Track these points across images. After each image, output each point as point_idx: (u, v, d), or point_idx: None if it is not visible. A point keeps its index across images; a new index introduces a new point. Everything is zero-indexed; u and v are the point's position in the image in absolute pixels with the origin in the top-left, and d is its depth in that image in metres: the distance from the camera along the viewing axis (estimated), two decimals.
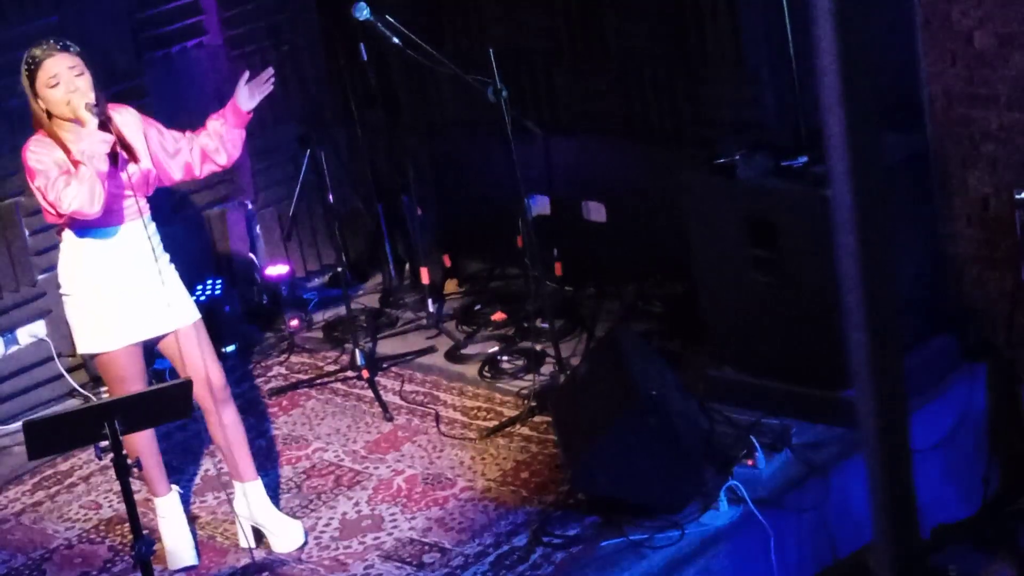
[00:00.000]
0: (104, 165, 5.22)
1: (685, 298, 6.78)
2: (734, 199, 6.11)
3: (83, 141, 5.23)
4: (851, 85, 1.70)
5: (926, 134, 6.30)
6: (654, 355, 6.21)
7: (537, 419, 6.49)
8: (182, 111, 7.53)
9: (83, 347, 5.63)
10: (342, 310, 7.32)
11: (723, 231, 6.16)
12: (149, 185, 5.56)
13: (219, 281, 7.43)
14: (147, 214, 5.55)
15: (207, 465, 6.48)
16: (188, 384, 5.08)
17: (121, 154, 5.39)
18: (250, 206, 7.80)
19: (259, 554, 5.81)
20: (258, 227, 7.83)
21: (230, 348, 7.36)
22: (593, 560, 5.53)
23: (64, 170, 5.25)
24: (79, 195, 5.20)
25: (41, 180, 5.29)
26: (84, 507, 6.33)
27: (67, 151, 5.32)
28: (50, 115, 5.37)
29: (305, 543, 5.85)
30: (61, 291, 5.60)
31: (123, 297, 5.51)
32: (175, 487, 5.89)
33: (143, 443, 5.63)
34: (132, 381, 5.54)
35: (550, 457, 6.20)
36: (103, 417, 4.78)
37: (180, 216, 7.51)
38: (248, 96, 5.62)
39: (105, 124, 5.25)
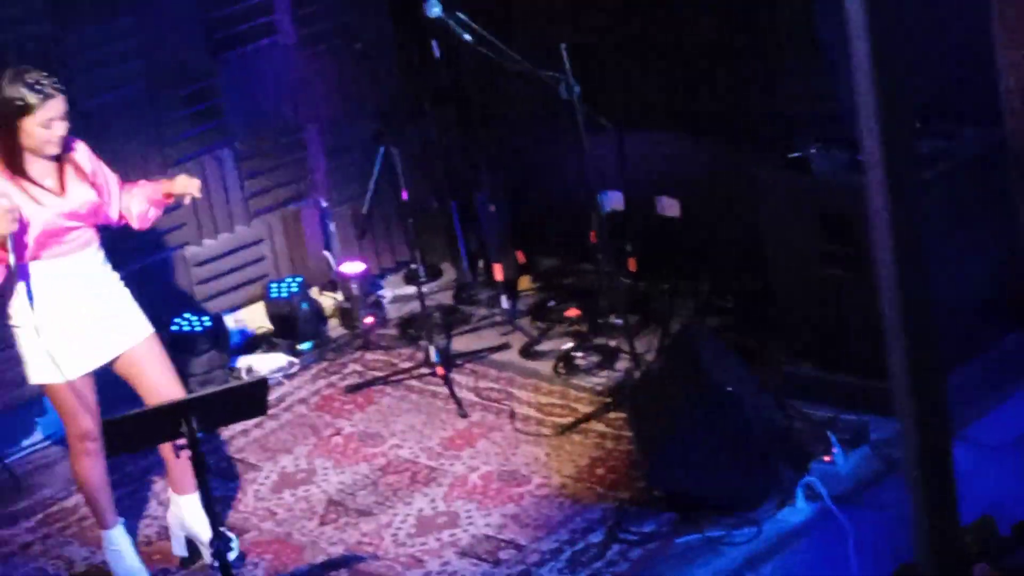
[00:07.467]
0: None
1: (760, 293, 6.74)
2: (809, 194, 6.06)
3: None
4: (884, 87, 1.67)
5: (1003, 127, 6.23)
6: (729, 351, 6.18)
7: (612, 415, 6.47)
8: (255, 110, 7.58)
9: (34, 378, 5.48)
10: (417, 307, 7.32)
11: (798, 226, 6.12)
12: (98, 216, 5.49)
13: (297, 280, 7.46)
14: (95, 243, 5.49)
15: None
16: (264, 382, 5.11)
17: (72, 184, 5.37)
18: (324, 204, 7.83)
19: (336, 551, 5.83)
20: (333, 224, 7.85)
21: (306, 345, 7.39)
22: (669, 557, 5.51)
23: None
24: None
25: None
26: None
27: (28, 180, 5.27)
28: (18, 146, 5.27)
29: (242, 556, 5.79)
30: (11, 323, 5.46)
31: (72, 327, 5.39)
32: (121, 519, 5.75)
33: (94, 475, 5.51)
34: (85, 411, 5.43)
35: (625, 453, 6.19)
36: (180, 416, 4.82)
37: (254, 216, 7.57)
38: (176, 192, 5.57)
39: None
